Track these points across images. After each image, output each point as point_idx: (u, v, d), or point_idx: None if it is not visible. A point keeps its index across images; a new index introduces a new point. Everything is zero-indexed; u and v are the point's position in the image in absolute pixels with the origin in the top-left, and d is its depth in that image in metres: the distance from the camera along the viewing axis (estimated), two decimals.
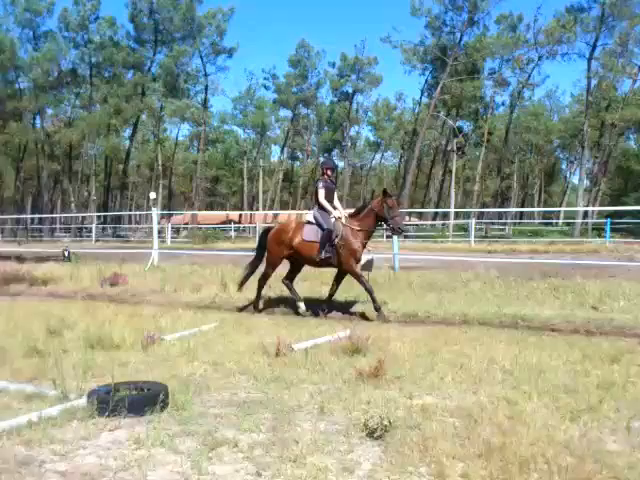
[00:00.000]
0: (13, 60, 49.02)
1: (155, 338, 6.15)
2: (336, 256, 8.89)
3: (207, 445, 3.38)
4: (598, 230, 33.46)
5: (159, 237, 16.35)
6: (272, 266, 9.51)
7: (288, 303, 9.82)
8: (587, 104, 44.35)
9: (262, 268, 9.72)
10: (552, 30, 44.33)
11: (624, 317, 8.03)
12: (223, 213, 63.38)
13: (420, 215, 54.61)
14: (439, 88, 47.74)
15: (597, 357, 5.52)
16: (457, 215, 38.88)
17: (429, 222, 47.44)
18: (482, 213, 40.67)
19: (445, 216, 41.20)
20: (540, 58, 47.48)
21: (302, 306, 9.23)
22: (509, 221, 41.78)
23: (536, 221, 47.84)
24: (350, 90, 60.90)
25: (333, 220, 8.97)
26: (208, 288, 11.34)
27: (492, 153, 58.18)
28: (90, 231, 33.37)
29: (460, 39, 48.88)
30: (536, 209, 57.08)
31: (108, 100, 50.63)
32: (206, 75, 53.29)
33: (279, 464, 3.11)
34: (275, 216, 51.64)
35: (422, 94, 56.14)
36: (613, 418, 3.83)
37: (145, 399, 3.95)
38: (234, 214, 60.23)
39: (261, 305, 9.76)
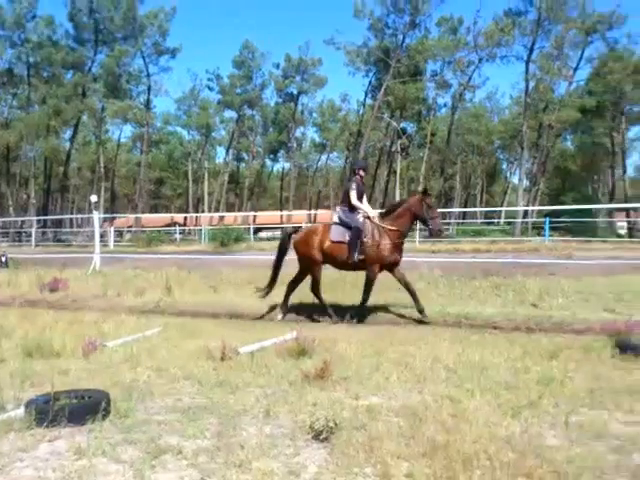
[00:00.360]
0: None
1: (97, 345, 6.01)
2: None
3: (150, 453, 3.32)
4: (538, 229, 34.43)
5: (102, 241, 16.00)
6: (315, 270, 9.04)
7: (235, 305, 9.75)
8: (525, 106, 45.55)
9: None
10: (491, 33, 45.38)
11: (562, 314, 8.30)
12: (168, 215, 62.34)
13: None
14: (383, 90, 48.23)
15: (537, 353, 5.67)
16: None
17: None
18: None
19: None
20: (480, 60, 48.54)
21: (332, 313, 8.89)
22: (452, 221, 42.49)
23: (478, 221, 48.85)
24: (295, 91, 60.90)
25: (361, 219, 8.70)
26: (152, 292, 11.18)
27: (435, 154, 59.17)
28: (29, 235, 32.37)
29: (402, 41, 49.48)
30: (478, 209, 58.30)
31: (47, 101, 49.17)
32: (149, 75, 52.35)
33: (224, 470, 3.08)
34: (221, 218, 51.19)
35: (366, 95, 56.61)
36: (552, 413, 3.93)
37: (86, 408, 3.85)
38: (179, 216, 59.40)
39: (279, 316, 9.28)
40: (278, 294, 9.47)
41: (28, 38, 49.16)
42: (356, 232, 8.51)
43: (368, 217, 8.73)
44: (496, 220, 45.73)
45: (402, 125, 55.89)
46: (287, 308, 9.18)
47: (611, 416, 3.89)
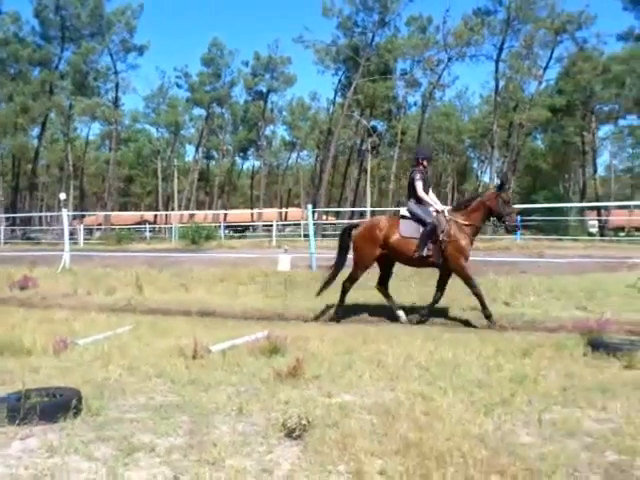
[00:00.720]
0: None
1: (68, 343, 5.95)
2: (440, 255, 8.09)
3: (123, 451, 3.30)
4: None
5: (71, 239, 15.80)
6: (362, 268, 8.63)
7: (206, 303, 9.70)
8: (495, 105, 46.14)
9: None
10: (461, 32, 45.81)
11: (534, 312, 8.43)
12: (137, 213, 61.88)
13: (337, 214, 55.14)
14: (352, 88, 48.37)
15: (509, 351, 5.73)
16: (373, 214, 39.49)
17: (346, 221, 47.93)
18: (397, 212, 41.45)
19: (362, 215, 41.77)
20: (450, 59, 48.99)
21: (402, 315, 8.47)
22: None
23: None
24: (264, 89, 60.82)
25: (435, 214, 8.24)
26: (123, 290, 11.09)
27: (406, 152, 59.54)
28: None
29: (372, 40, 49.70)
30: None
31: (14, 98, 48.36)
32: (116, 73, 51.85)
33: (197, 468, 3.07)
34: (191, 216, 50.84)
35: (336, 94, 56.74)
36: (525, 411, 3.96)
37: (57, 405, 3.81)
38: (149, 214, 58.98)
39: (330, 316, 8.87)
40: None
41: None
42: (432, 228, 8.04)
43: (437, 211, 8.28)
44: None
45: (372, 123, 56.18)
46: (395, 304, 8.65)
47: (584, 414, 3.93)
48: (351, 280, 8.71)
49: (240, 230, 47.30)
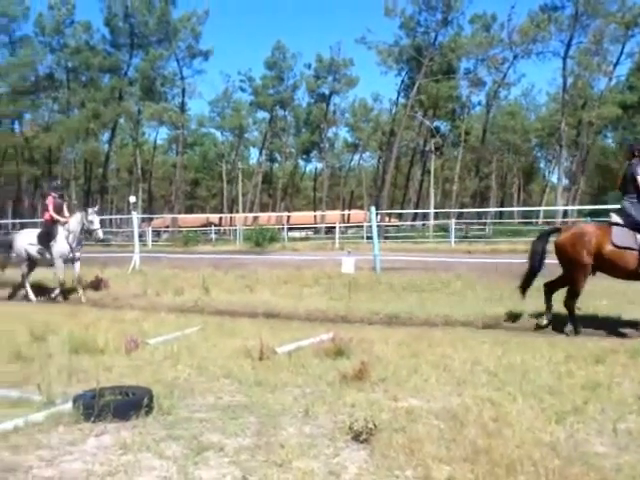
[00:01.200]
0: None
1: (139, 342, 6.12)
2: None
3: (193, 450, 3.36)
4: None
5: (140, 241, 16.26)
6: (581, 279, 7.56)
7: (271, 305, 9.80)
8: (563, 103, 44.89)
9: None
10: (526, 29, 44.77)
11: (607, 316, 8.13)
12: (203, 216, 63.03)
13: (400, 216, 54.86)
14: (415, 88, 47.94)
15: (581, 357, 5.54)
16: (437, 215, 39.07)
17: (409, 223, 47.64)
18: (461, 213, 40.94)
19: (425, 217, 41.36)
20: (515, 57, 47.98)
21: (545, 321, 7.87)
22: (489, 221, 42.04)
23: (516, 220, 48.21)
24: (327, 91, 61.00)
25: None
26: (190, 291, 11.32)
27: (470, 153, 58.64)
28: None
29: (435, 39, 49.16)
30: (515, 209, 57.55)
31: (86, 104, 50.22)
32: (183, 78, 53.10)
33: (265, 468, 3.10)
34: (255, 218, 51.50)
35: (399, 95, 56.43)
36: (599, 420, 3.84)
37: (130, 404, 3.93)
38: (214, 217, 60.02)
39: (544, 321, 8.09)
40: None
41: (67, 43, 50.40)
42: None
43: None
44: (534, 220, 45.04)
45: (435, 124, 55.52)
46: (551, 312, 7.98)
47: None
48: (574, 295, 7.69)
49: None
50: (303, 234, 48.97)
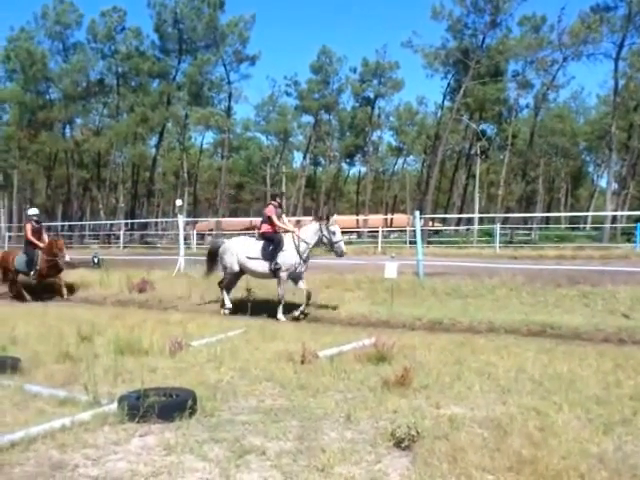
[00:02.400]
0: (44, 71, 50.08)
1: (182, 344, 6.20)
2: None
3: (235, 452, 3.39)
4: (628, 235, 32.84)
5: (185, 243, 16.50)
6: None
7: (315, 308, 9.82)
8: (614, 105, 43.63)
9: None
10: (577, 30, 43.73)
11: None
12: (247, 219, 63.57)
13: (443, 220, 54.26)
14: (461, 91, 47.41)
15: (630, 367, 5.40)
16: (481, 220, 38.54)
17: (452, 227, 47.10)
18: (507, 218, 40.24)
19: (469, 221, 40.86)
20: (565, 59, 46.85)
21: None
22: (535, 226, 41.28)
23: (563, 226, 47.24)
24: (372, 95, 60.79)
25: None
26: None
27: (516, 157, 57.56)
28: (118, 237, 33.69)
29: (482, 41, 48.49)
30: (563, 214, 56.39)
31: (135, 109, 51.22)
32: (229, 83, 53.65)
33: (307, 473, 3.11)
34: (298, 222, 51.67)
35: (444, 98, 55.80)
36: None
37: (174, 405, 3.99)
38: (257, 220, 60.40)
39: None
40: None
41: (117, 49, 51.51)
42: None
43: None
44: (582, 225, 44.06)
45: (481, 127, 54.71)
46: None
47: None
48: None
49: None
50: (345, 238, 48.94)
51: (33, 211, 14.78)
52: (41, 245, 13.76)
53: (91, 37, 51.81)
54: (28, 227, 14.15)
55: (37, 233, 14.09)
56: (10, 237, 40.52)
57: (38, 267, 13.63)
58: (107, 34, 51.14)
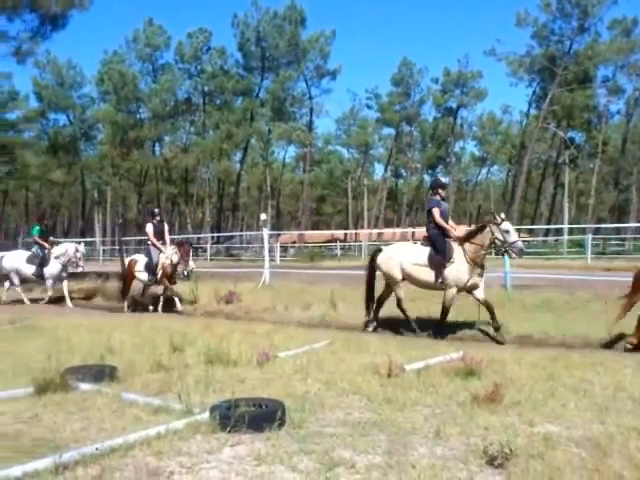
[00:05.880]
0: (135, 92, 52.63)
1: (270, 355, 6.28)
2: None
3: (324, 464, 3.39)
4: None
5: (269, 256, 16.77)
6: None
7: (395, 323, 9.74)
8: None
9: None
10: None
11: None
12: (328, 232, 64.00)
13: (530, 231, 52.64)
14: (548, 99, 46.16)
15: None
16: (571, 231, 37.12)
17: (540, 238, 45.61)
18: (598, 228, 38.62)
19: (558, 232, 39.44)
20: None
21: None
22: (629, 236, 39.37)
23: None
24: (454, 105, 60.21)
25: None
26: (318, 306, 11.49)
27: (607, 164, 55.33)
28: (205, 250, 34.66)
29: (570, 47, 47.08)
30: None
31: (220, 126, 52.81)
32: (311, 98, 54.47)
33: None
34: (380, 234, 51.55)
35: (530, 106, 54.50)
36: None
37: (264, 416, 4.03)
38: (339, 233, 60.70)
39: None
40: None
41: (203, 69, 53.40)
42: None
43: None
44: None
45: (569, 135, 52.94)
46: None
47: None
48: None
49: None
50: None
51: (155, 210, 13.96)
52: (162, 248, 12.89)
53: (178, 58, 54.00)
54: (149, 227, 13.25)
55: (158, 234, 13.17)
56: (104, 250, 42.52)
57: (159, 272, 12.74)
58: (193, 54, 53.12)
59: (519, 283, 13.03)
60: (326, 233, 61.25)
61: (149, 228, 13.28)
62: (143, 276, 13.19)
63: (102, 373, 5.49)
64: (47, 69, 55.23)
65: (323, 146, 71.06)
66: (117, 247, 37.34)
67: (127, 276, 13.63)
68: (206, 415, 4.12)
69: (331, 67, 54.38)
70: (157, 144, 58.09)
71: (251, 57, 53.53)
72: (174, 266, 12.78)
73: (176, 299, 12.80)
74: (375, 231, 55.22)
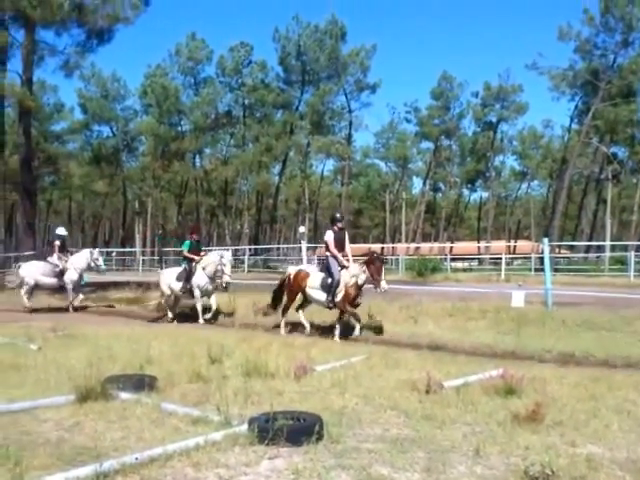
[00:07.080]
0: (177, 105, 53.48)
1: (307, 369, 6.30)
2: None
3: None
4: None
5: None
6: None
7: (436, 337, 9.67)
8: None
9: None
10: None
11: None
12: (365, 246, 63.83)
13: (571, 248, 51.70)
14: (590, 114, 45.33)
15: None
16: (613, 248, 36.32)
17: (581, 255, 44.72)
18: None
19: (599, 248, 38.64)
20: None
21: None
22: None
23: None
24: (494, 119, 59.53)
25: None
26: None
27: None
28: (243, 262, 34.90)
29: (613, 61, 46.25)
30: None
31: (259, 139, 53.28)
32: (350, 111, 54.54)
33: None
34: (417, 248, 51.21)
35: (572, 120, 53.61)
36: None
37: (302, 429, 4.04)
38: (376, 246, 60.51)
39: None
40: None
41: (244, 82, 54.01)
42: None
43: None
44: None
45: (612, 150, 51.93)
46: None
47: None
48: None
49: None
50: (466, 265, 47.75)
51: (337, 215, 11.89)
52: (346, 263, 10.96)
53: (220, 71, 54.73)
54: (329, 235, 11.22)
55: (339, 244, 11.27)
56: (144, 261, 43.14)
57: (340, 293, 10.59)
58: (235, 68, 53.78)
59: (560, 300, 12.79)
60: (363, 247, 61.12)
61: (329, 236, 11.29)
62: (319, 295, 11.10)
63: (142, 383, 5.57)
64: (92, 82, 56.49)
65: (361, 159, 71.01)
66: (162, 257, 37.74)
67: (291, 287, 11.74)
68: (244, 427, 4.15)
69: (371, 81, 54.42)
70: (197, 156, 58.87)
71: (291, 71, 53.96)
72: (359, 288, 10.72)
73: (357, 325, 10.64)
74: (413, 245, 54.87)
